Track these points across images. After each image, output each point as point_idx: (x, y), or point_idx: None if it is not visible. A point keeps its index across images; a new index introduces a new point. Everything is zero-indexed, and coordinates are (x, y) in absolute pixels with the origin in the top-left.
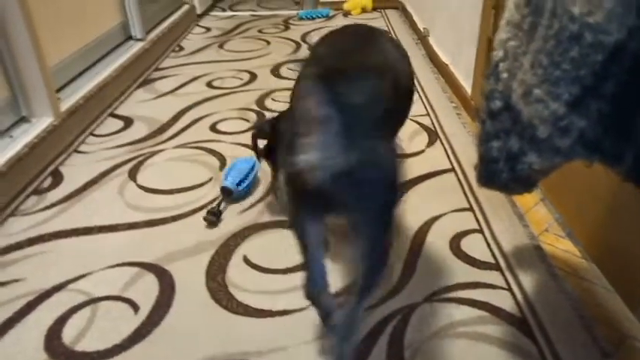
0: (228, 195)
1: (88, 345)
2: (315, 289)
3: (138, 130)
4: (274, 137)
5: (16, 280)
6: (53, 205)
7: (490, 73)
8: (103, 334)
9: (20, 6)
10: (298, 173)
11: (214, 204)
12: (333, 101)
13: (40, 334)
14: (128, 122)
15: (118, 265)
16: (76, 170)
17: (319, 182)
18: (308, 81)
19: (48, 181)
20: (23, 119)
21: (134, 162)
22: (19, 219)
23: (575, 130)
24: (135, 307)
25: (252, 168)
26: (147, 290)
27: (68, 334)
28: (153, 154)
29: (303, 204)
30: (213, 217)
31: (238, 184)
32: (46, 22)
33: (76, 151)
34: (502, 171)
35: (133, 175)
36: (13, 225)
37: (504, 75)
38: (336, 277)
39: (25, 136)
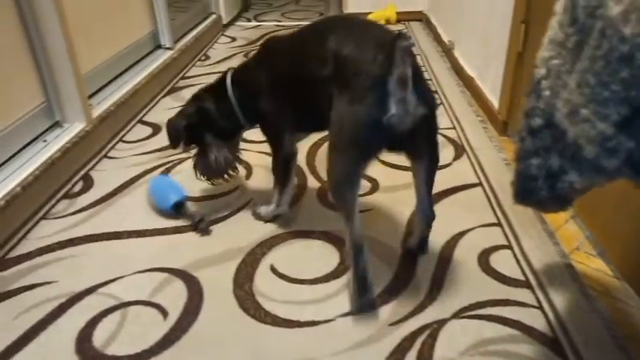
0: (183, 207)
1: (118, 349)
2: (361, 239)
3: (165, 138)
4: (207, 122)
5: (48, 283)
6: (84, 209)
7: (531, 90)
8: (132, 339)
9: (57, 15)
10: (389, 122)
11: (196, 220)
12: (412, 65)
13: (71, 336)
14: (156, 129)
15: (147, 270)
16: (106, 175)
17: (408, 125)
18: (398, 52)
19: (79, 186)
20: (57, 124)
21: (162, 169)
22: (50, 222)
23: (623, 151)
24: (164, 312)
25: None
26: (175, 296)
27: (99, 338)
28: (181, 161)
29: (367, 153)
30: (203, 227)
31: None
32: (80, 30)
33: (106, 156)
34: (541, 189)
35: None
36: (45, 228)
37: (546, 93)
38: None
39: (58, 140)
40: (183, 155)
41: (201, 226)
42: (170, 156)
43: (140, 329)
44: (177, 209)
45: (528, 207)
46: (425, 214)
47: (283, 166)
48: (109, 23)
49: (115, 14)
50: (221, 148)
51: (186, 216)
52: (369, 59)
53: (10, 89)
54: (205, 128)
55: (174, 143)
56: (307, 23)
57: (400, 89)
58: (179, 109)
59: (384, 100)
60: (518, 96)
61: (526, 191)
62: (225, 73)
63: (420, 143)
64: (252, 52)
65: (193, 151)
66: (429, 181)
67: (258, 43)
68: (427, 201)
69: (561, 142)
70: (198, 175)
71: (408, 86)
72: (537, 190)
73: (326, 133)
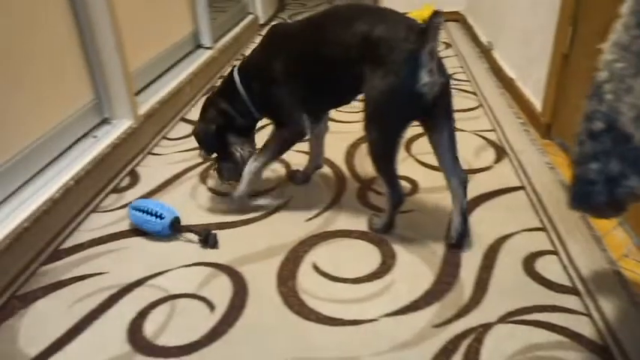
0: (179, 223)
1: (167, 340)
2: (402, 193)
3: None
4: (228, 123)
5: (99, 274)
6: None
7: (592, 93)
8: (181, 330)
9: (109, 14)
10: (422, 90)
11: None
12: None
13: (123, 326)
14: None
15: (193, 264)
16: (151, 171)
17: (436, 92)
18: (432, 27)
19: (126, 181)
20: (105, 121)
21: (204, 166)
22: (100, 215)
23: None
24: (210, 306)
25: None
26: (221, 290)
27: (149, 328)
28: None
29: (404, 121)
30: (211, 242)
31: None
32: (128, 29)
33: (150, 153)
34: (599, 193)
35: (203, 178)
36: (95, 220)
37: (609, 97)
38: None
39: (108, 136)
40: None
41: (210, 242)
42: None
43: (188, 321)
44: (174, 228)
45: (583, 212)
46: (459, 176)
47: (290, 143)
48: (155, 22)
49: (160, 14)
50: (244, 144)
51: (188, 232)
52: (401, 37)
53: (65, 87)
54: (228, 129)
55: (210, 150)
56: (316, 12)
57: (430, 61)
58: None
59: (417, 71)
60: (562, 98)
61: (583, 196)
62: (231, 71)
63: (441, 110)
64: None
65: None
66: (453, 145)
67: None
68: (456, 163)
69: (623, 147)
70: (225, 179)
71: (435, 58)
72: (595, 194)
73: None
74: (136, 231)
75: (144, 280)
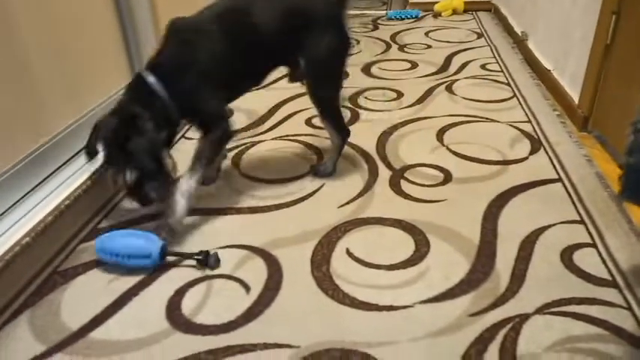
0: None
1: (205, 318)
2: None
3: (238, 121)
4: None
5: None
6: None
7: None
8: (218, 310)
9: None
10: (350, 46)
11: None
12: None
13: (161, 303)
14: (230, 113)
15: (228, 246)
16: (186, 156)
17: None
18: None
19: None
20: None
21: (236, 151)
22: None
23: None
24: (246, 287)
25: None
26: (256, 272)
27: (187, 306)
28: (253, 144)
29: (342, 75)
30: (212, 262)
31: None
32: (164, 9)
33: (184, 137)
34: None
35: (235, 163)
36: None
37: None
38: None
39: None
40: (255, 139)
41: (210, 262)
42: (242, 139)
43: (225, 301)
44: (163, 255)
45: (635, 203)
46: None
47: (222, 146)
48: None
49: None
50: (167, 156)
51: (183, 257)
52: (327, 4)
53: (107, 68)
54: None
55: (149, 165)
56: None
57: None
58: (247, 94)
59: (346, 29)
60: (602, 90)
61: (637, 186)
62: (138, 76)
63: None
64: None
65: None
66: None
67: None
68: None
69: None
70: (157, 199)
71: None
72: None
73: None
74: None
75: (180, 261)
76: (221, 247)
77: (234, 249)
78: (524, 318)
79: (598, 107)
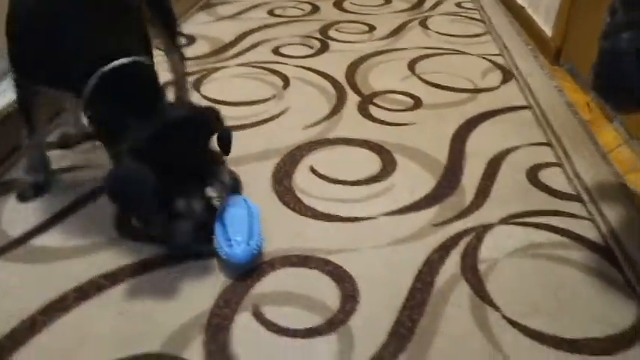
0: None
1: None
2: None
3: (201, 48)
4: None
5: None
6: None
7: None
8: None
9: None
10: None
11: None
12: None
13: (111, 213)
14: (191, 40)
15: None
16: None
17: None
18: None
19: None
20: None
21: (197, 75)
22: None
23: None
24: None
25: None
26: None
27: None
28: (216, 69)
29: None
30: None
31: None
32: None
33: None
34: (629, 63)
35: (197, 86)
36: None
37: None
38: None
39: None
40: (218, 65)
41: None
42: (205, 65)
43: None
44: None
45: (605, 100)
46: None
47: None
48: None
49: None
50: None
51: None
52: None
53: None
54: None
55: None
56: None
57: None
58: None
59: None
60: (574, 23)
61: (611, 71)
62: None
63: None
64: None
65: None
66: None
67: None
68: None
69: None
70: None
71: None
72: (625, 66)
73: None
74: None
75: None
76: None
77: None
78: (487, 227)
79: (570, 40)
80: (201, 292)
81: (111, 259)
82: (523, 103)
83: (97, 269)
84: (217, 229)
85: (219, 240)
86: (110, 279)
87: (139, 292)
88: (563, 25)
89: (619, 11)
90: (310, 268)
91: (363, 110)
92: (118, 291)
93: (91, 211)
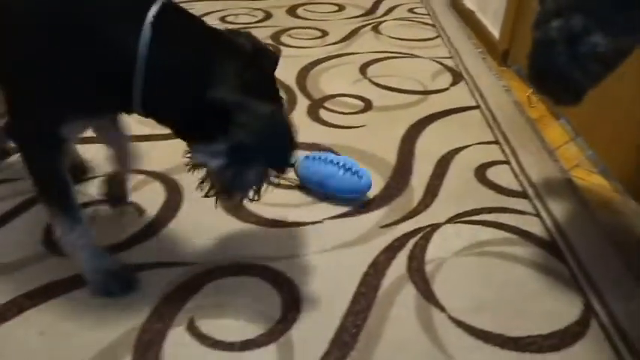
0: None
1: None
2: None
3: None
4: None
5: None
6: None
7: None
8: (108, 232)
9: None
10: None
11: None
12: None
13: (39, 229)
14: None
15: None
16: None
17: None
18: None
19: None
20: None
21: None
22: None
23: None
24: (139, 209)
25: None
26: (153, 195)
27: None
28: None
29: None
30: None
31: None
32: None
33: None
34: (559, 54)
35: None
36: None
37: None
38: None
39: None
40: None
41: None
42: None
43: (114, 225)
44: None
45: (540, 90)
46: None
47: None
48: None
49: None
50: None
51: None
52: None
53: None
54: None
55: None
56: None
57: None
58: None
59: None
60: (520, 25)
61: (544, 58)
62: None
63: None
64: None
65: None
66: None
67: None
68: None
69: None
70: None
71: None
72: (556, 55)
73: None
74: None
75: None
76: None
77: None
78: (435, 227)
79: (516, 42)
80: (133, 307)
81: (37, 275)
82: (472, 103)
83: (20, 288)
84: (336, 171)
85: (338, 182)
86: (33, 298)
87: (65, 310)
88: (509, 28)
89: (547, 0)
90: (251, 276)
91: (313, 114)
92: (40, 310)
93: (19, 223)
